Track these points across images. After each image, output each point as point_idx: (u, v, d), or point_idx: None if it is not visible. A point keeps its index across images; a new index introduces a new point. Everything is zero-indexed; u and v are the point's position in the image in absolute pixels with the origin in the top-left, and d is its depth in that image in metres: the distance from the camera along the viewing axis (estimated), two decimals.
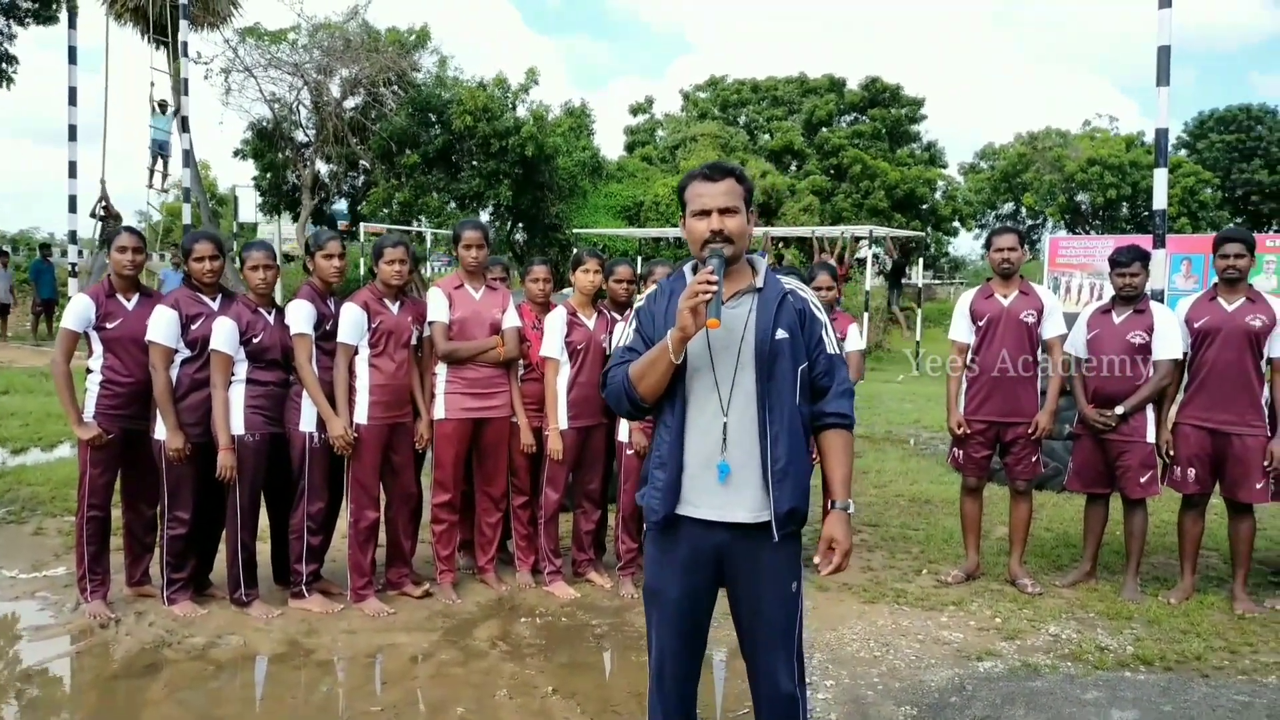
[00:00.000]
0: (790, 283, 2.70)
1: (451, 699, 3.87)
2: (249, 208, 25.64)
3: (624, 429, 5.12)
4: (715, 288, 2.41)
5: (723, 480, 2.57)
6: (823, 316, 2.70)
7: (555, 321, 5.07)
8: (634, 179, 27.28)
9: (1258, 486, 4.87)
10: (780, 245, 22.94)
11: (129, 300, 4.67)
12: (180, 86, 13.79)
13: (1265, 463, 4.82)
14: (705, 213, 2.58)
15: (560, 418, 5.03)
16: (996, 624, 4.75)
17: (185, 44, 13.15)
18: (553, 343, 5.03)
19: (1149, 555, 5.64)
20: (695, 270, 2.66)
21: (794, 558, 2.66)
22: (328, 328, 4.71)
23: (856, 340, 5.59)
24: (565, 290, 6.34)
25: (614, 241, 24.29)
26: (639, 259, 21.00)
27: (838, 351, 2.70)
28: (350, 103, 24.03)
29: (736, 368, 2.57)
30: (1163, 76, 7.16)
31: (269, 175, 25.21)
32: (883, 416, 11.68)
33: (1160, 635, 4.60)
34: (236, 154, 25.68)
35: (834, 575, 2.65)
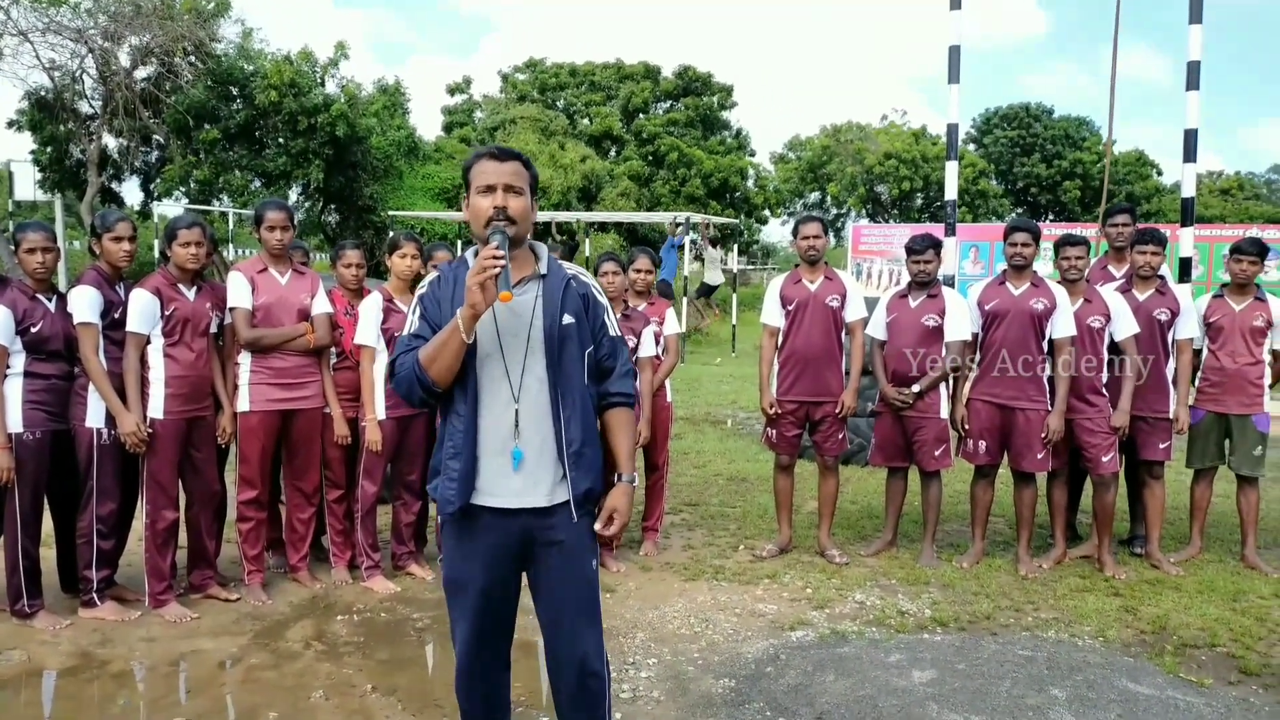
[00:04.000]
0: (571, 268, 2.74)
1: (263, 704, 3.70)
2: (26, 184, 23.47)
3: None
4: (503, 261, 2.41)
5: (516, 467, 2.57)
6: (604, 300, 2.77)
7: (371, 307, 4.90)
8: (452, 160, 26.67)
9: (1039, 457, 5.28)
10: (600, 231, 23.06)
11: None
12: None
13: (1043, 435, 5.24)
14: (490, 189, 2.56)
15: (378, 407, 4.88)
16: (808, 594, 4.97)
17: None
18: (369, 329, 4.87)
19: (944, 523, 6.03)
20: (477, 254, 2.65)
21: (591, 537, 2.72)
22: (116, 315, 4.38)
23: (674, 324, 5.70)
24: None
25: (432, 225, 23.75)
26: (458, 243, 20.61)
27: (619, 334, 2.79)
28: (141, 73, 22.28)
29: (526, 353, 2.58)
30: (953, 75, 7.58)
31: (49, 149, 23.14)
32: (702, 398, 11.95)
33: (954, 598, 4.94)
34: (11, 125, 23.42)
35: (615, 544, 2.71)
